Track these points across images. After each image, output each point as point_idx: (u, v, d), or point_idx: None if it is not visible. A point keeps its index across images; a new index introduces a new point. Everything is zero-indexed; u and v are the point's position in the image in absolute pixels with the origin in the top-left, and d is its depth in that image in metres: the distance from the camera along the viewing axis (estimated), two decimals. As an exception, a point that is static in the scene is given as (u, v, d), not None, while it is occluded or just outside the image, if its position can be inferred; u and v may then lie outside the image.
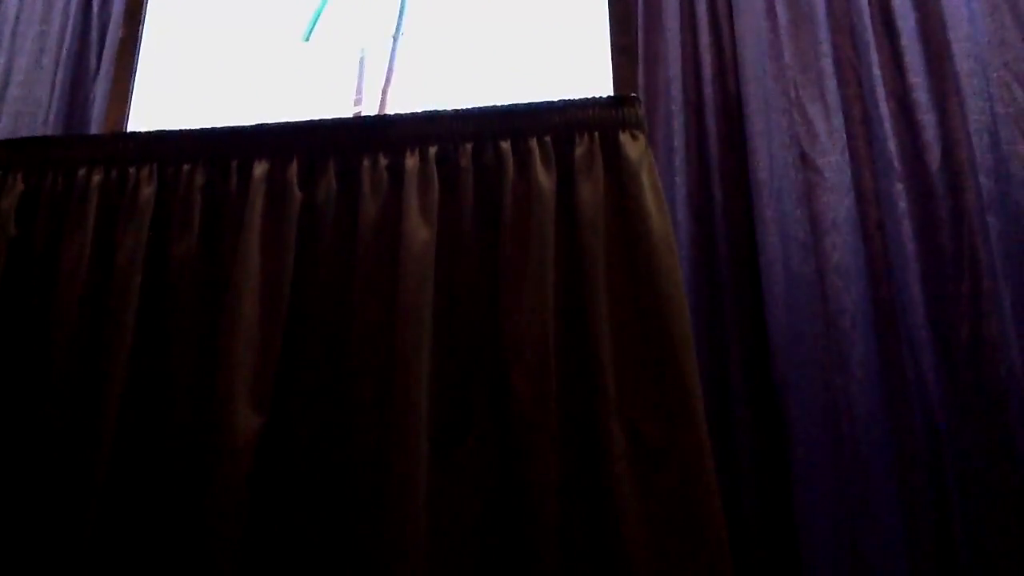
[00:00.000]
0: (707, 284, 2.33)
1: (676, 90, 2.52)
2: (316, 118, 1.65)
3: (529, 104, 1.60)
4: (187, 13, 2.42)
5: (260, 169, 1.60)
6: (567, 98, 1.64)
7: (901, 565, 1.97)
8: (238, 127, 1.66)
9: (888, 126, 2.38)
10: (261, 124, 1.68)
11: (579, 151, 1.54)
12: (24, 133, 2.74)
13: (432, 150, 1.57)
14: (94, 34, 2.88)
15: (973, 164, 2.31)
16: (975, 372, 2.17)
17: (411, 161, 1.56)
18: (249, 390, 1.44)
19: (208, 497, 1.40)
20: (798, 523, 2.04)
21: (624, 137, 1.54)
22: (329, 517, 1.44)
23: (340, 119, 1.70)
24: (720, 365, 2.26)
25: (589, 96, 1.67)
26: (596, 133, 1.56)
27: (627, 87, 1.87)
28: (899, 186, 2.33)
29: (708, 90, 2.53)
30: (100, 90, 2.78)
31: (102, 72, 2.80)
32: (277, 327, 1.49)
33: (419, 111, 1.67)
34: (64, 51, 2.84)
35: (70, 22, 2.87)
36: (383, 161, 1.58)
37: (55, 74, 2.82)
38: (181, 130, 1.70)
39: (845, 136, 2.41)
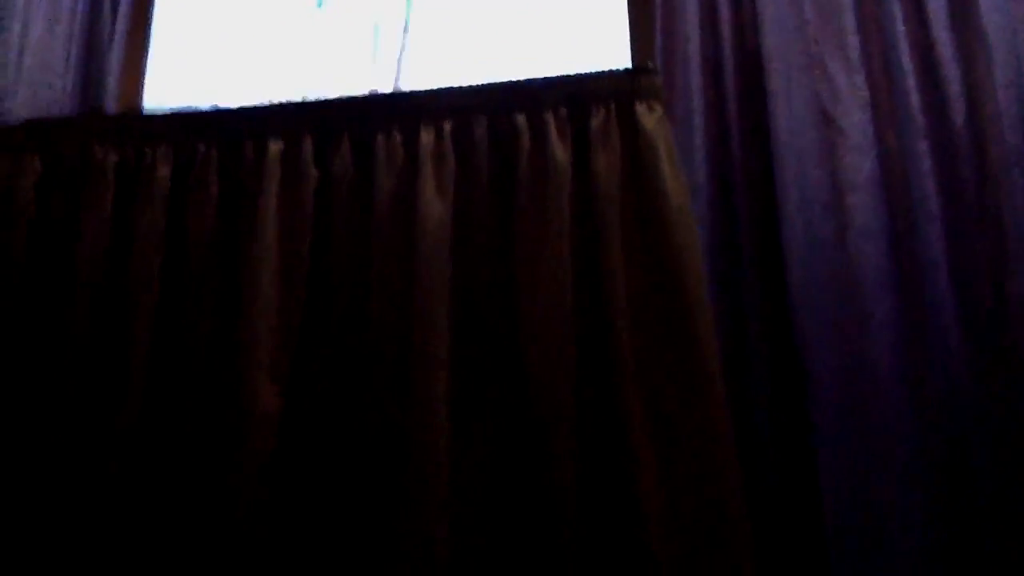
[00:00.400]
0: (726, 246, 2.32)
1: (694, 47, 2.48)
2: (330, 94, 1.63)
3: (544, 77, 1.58)
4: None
5: (275, 147, 1.60)
6: (582, 69, 1.61)
7: (921, 532, 1.97)
8: (252, 106, 1.66)
9: (912, 81, 2.33)
10: (275, 103, 1.68)
11: (595, 123, 1.53)
12: (42, 103, 2.75)
13: (447, 125, 1.57)
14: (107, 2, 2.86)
15: (999, 120, 2.26)
16: (998, 333, 2.15)
17: (426, 136, 1.56)
18: (269, 367, 1.46)
19: (231, 473, 1.42)
20: (822, 487, 2.04)
21: (641, 108, 1.53)
22: (351, 490, 1.47)
23: (353, 96, 1.68)
24: (739, 327, 2.26)
25: (605, 66, 1.65)
26: (612, 104, 1.54)
27: (645, 52, 1.84)
28: (923, 144, 2.29)
29: (727, 46, 2.49)
30: (115, 56, 2.76)
31: (116, 38, 2.79)
32: (296, 304, 1.50)
33: (433, 86, 1.66)
34: (78, 17, 2.82)
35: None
36: (398, 137, 1.58)
37: (69, 41, 2.81)
38: (195, 110, 1.70)
39: (868, 92, 2.36)
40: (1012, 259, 2.19)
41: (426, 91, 1.63)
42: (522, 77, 1.67)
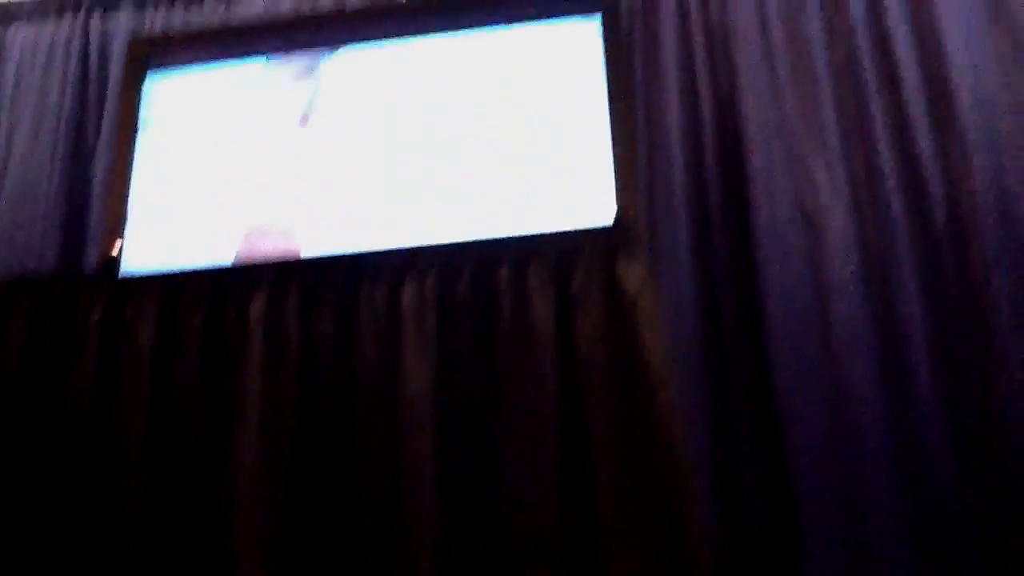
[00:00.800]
0: (712, 352, 2.33)
1: (677, 150, 2.49)
2: (313, 254, 1.64)
3: (526, 234, 1.59)
4: (187, 91, 2.41)
5: (258, 307, 1.60)
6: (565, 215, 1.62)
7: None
8: (234, 266, 1.66)
9: (892, 180, 2.35)
10: (258, 262, 1.68)
11: (576, 282, 1.54)
12: (27, 208, 2.75)
13: (429, 283, 1.57)
14: (92, 101, 2.86)
15: (979, 221, 2.27)
16: (985, 434, 2.17)
17: (408, 295, 1.56)
18: (253, 542, 1.46)
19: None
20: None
21: (622, 266, 1.53)
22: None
23: (336, 255, 1.69)
24: (725, 432, 2.26)
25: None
26: (594, 262, 1.55)
27: (629, 194, 1.85)
28: (905, 245, 2.30)
29: (709, 145, 2.50)
30: (102, 156, 2.77)
31: (102, 138, 2.79)
32: (280, 474, 1.50)
33: (415, 242, 1.67)
34: (62, 121, 2.83)
35: (68, 88, 2.86)
36: (380, 295, 1.58)
37: (55, 142, 2.81)
38: (178, 269, 1.70)
39: (847, 192, 2.38)
40: (996, 359, 2.21)
41: (410, 249, 1.63)
42: (506, 230, 1.68)
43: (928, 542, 2.02)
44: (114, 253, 2.03)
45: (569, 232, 1.58)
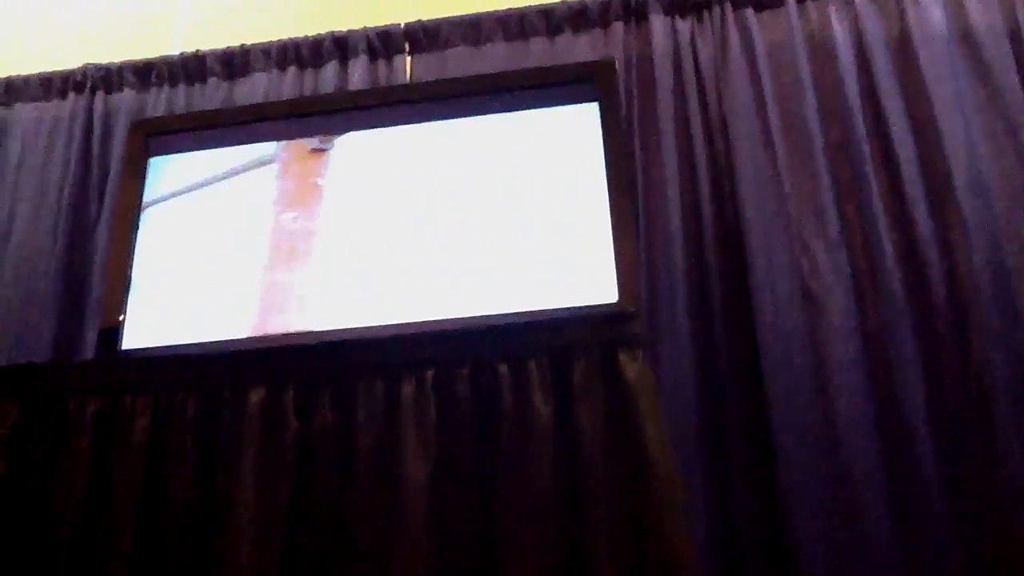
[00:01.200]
0: (714, 436, 2.31)
1: (676, 227, 2.50)
2: (312, 336, 1.63)
3: (525, 320, 1.59)
4: (189, 171, 2.42)
5: (255, 397, 1.59)
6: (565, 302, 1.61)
7: None
8: (232, 351, 1.65)
9: (892, 261, 2.35)
10: (254, 346, 1.67)
11: (577, 375, 1.53)
12: (25, 282, 2.75)
13: (429, 375, 1.56)
14: (94, 180, 2.88)
15: (980, 301, 2.27)
16: (989, 520, 2.14)
17: (407, 388, 1.55)
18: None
19: None
20: None
21: (624, 357, 1.52)
22: None
23: (335, 342, 1.68)
24: (728, 520, 2.23)
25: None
26: (595, 354, 1.54)
27: (630, 279, 1.85)
28: (906, 325, 2.30)
29: (708, 224, 2.51)
30: (102, 238, 2.78)
31: (103, 219, 2.80)
32: (271, 571, 1.47)
33: (414, 326, 1.66)
34: (64, 198, 2.84)
35: (71, 167, 2.88)
36: (379, 387, 1.57)
37: (56, 222, 2.82)
38: (173, 354, 1.70)
39: (849, 272, 2.38)
40: (1000, 442, 2.19)
41: (408, 337, 1.62)
42: (506, 309, 1.68)
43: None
44: (113, 331, 2.01)
45: (569, 320, 1.57)
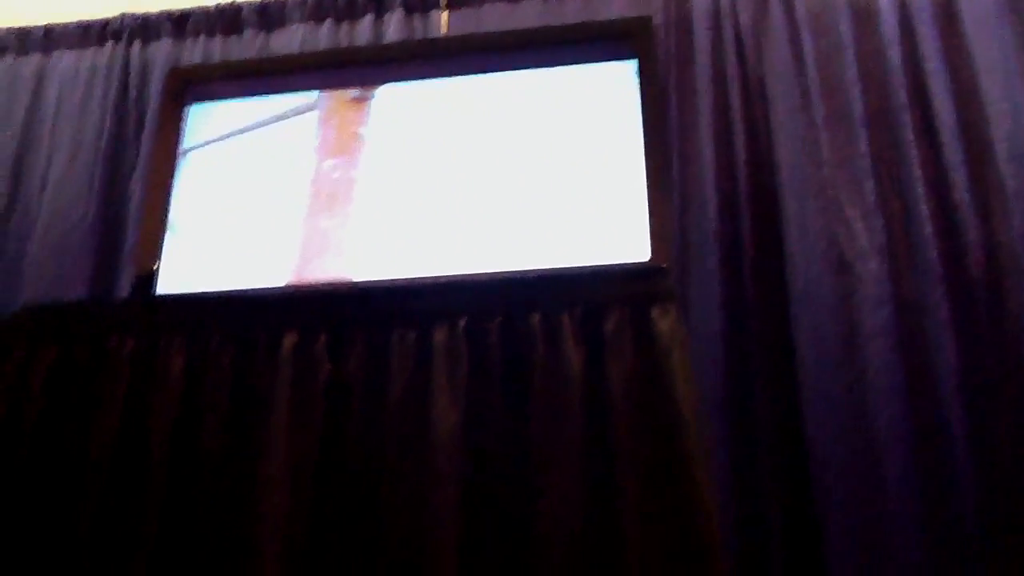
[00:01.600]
0: (741, 394, 2.30)
1: (711, 189, 2.48)
2: (346, 285, 1.64)
3: (558, 273, 1.59)
4: (226, 120, 2.43)
5: (289, 342, 1.60)
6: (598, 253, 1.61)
7: None
8: (266, 295, 1.67)
9: (929, 228, 2.32)
10: (290, 291, 1.68)
11: (609, 327, 1.52)
12: (61, 230, 2.78)
13: (461, 323, 1.56)
14: (131, 128, 2.90)
15: (1017, 270, 2.24)
16: (1018, 494, 2.12)
17: (440, 336, 1.56)
18: (277, 579, 1.45)
19: None
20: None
21: (655, 312, 1.52)
22: None
23: (369, 287, 1.69)
24: (754, 481, 2.23)
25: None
26: (627, 307, 1.53)
27: (663, 237, 1.84)
28: (940, 293, 2.27)
29: (743, 187, 2.49)
30: (138, 186, 2.80)
31: (139, 168, 2.82)
32: (304, 515, 1.50)
33: (448, 277, 1.67)
34: (101, 147, 2.86)
35: (107, 116, 2.89)
36: (411, 335, 1.57)
37: (93, 170, 2.84)
38: (209, 296, 1.71)
39: (885, 238, 2.35)
40: (1032, 415, 2.17)
41: (440, 285, 1.62)
42: (538, 271, 1.68)
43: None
44: (149, 276, 2.03)
45: (603, 274, 1.56)
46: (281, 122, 2.31)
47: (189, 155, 2.33)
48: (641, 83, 2.16)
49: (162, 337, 1.66)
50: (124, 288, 2.61)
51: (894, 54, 2.44)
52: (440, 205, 2.09)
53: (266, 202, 2.23)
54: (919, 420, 2.18)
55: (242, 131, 2.34)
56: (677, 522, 1.42)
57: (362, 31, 2.82)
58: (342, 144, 2.24)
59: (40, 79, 3.04)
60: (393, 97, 2.31)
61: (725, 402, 2.25)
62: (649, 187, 1.95)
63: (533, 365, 1.53)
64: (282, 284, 2.02)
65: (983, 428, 2.14)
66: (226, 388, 1.60)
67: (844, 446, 2.16)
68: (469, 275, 1.75)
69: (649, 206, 1.90)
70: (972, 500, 2.07)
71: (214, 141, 2.35)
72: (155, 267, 2.10)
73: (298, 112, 2.31)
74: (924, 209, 2.33)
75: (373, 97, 2.29)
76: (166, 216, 2.14)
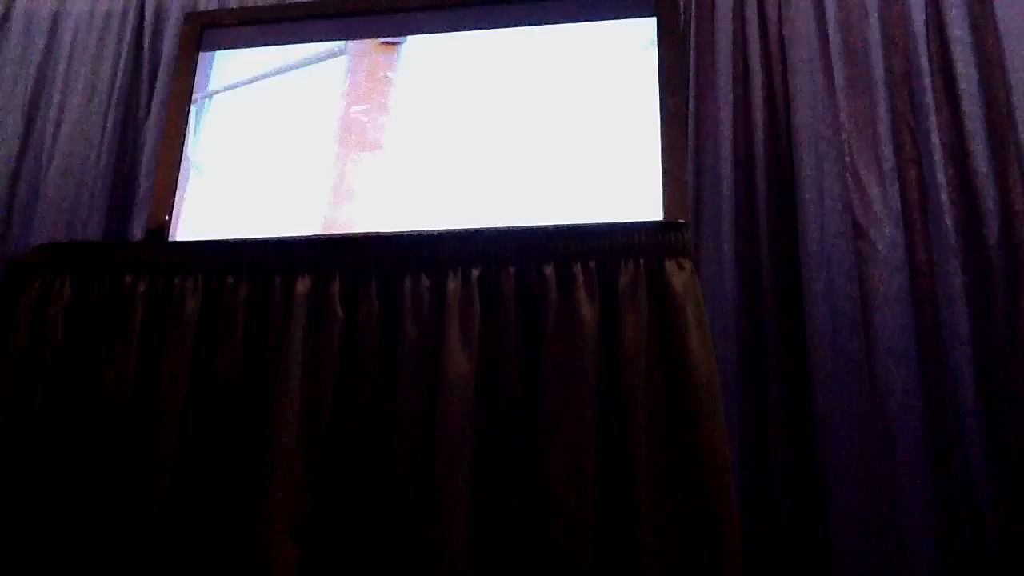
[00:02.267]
0: (752, 358, 2.30)
1: (726, 150, 2.46)
2: (359, 232, 1.64)
3: (573, 226, 1.58)
4: (243, 66, 2.42)
5: (303, 285, 1.60)
6: (612, 212, 1.60)
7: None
8: (281, 239, 1.67)
9: (945, 196, 2.30)
10: (305, 237, 1.69)
11: (623, 280, 1.52)
12: (74, 174, 2.77)
13: (475, 272, 1.56)
14: (145, 74, 2.89)
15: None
16: (1024, 463, 2.12)
17: (453, 284, 1.55)
18: (287, 520, 1.46)
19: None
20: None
21: (670, 266, 1.52)
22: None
23: (383, 235, 1.69)
24: (762, 443, 2.24)
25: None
26: (641, 260, 1.53)
27: (677, 195, 1.83)
28: (955, 261, 2.26)
29: (759, 150, 2.47)
30: (151, 132, 2.79)
31: (152, 114, 2.82)
32: (316, 455, 1.51)
33: (462, 227, 1.66)
34: (115, 92, 2.85)
35: (122, 61, 2.88)
36: (425, 282, 1.57)
37: (106, 114, 2.83)
38: (225, 240, 1.71)
39: (900, 204, 2.34)
40: (1042, 385, 2.16)
41: (455, 233, 1.62)
42: (553, 220, 1.67)
43: (962, 556, 1.98)
44: (162, 223, 2.03)
45: (617, 228, 1.56)
46: (309, 66, 2.29)
47: (216, 97, 2.31)
48: (660, 41, 2.14)
49: (177, 276, 1.66)
50: (136, 234, 2.61)
51: (918, 18, 2.41)
52: (462, 157, 2.08)
53: (294, 147, 2.23)
54: (930, 387, 2.18)
55: (270, 75, 2.33)
56: (688, 477, 1.43)
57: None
58: (371, 89, 2.23)
59: (55, 22, 3.02)
60: (417, 48, 2.30)
61: (736, 364, 2.26)
62: (664, 146, 1.94)
63: (546, 316, 1.53)
64: (310, 230, 2.02)
65: (995, 396, 2.14)
66: (241, 330, 1.61)
67: (853, 411, 2.17)
68: (484, 226, 1.74)
69: (663, 165, 1.89)
70: (983, 468, 2.08)
71: (242, 84, 2.34)
72: (168, 217, 2.10)
73: (327, 56, 2.30)
74: (941, 177, 2.31)
75: (404, 41, 2.27)
76: (180, 166, 2.13)
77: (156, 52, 2.86)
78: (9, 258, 1.82)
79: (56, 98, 2.88)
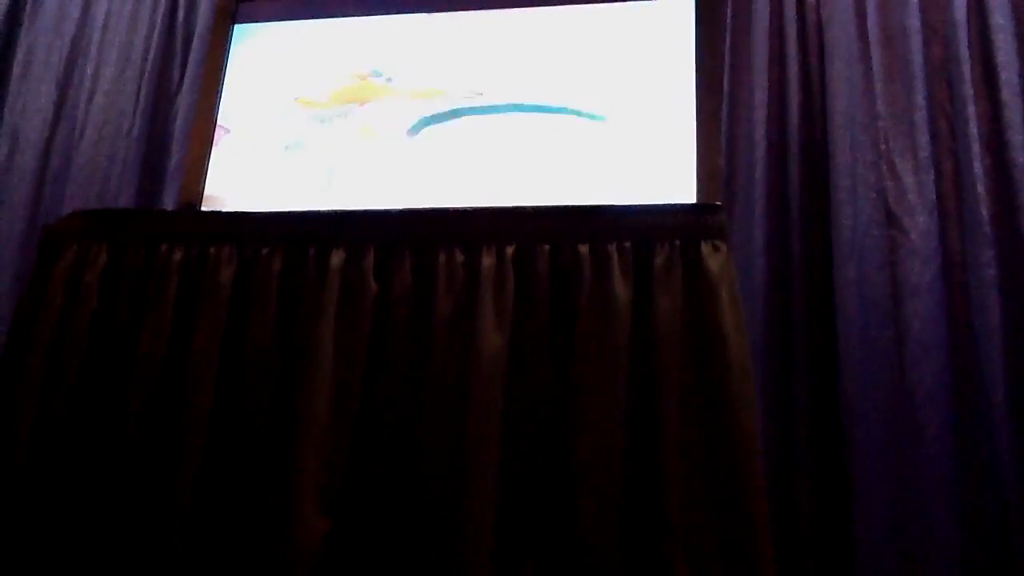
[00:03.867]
0: (780, 345, 2.29)
1: (760, 135, 2.44)
2: (394, 208, 1.65)
3: (609, 206, 1.58)
4: (276, 41, 2.42)
5: (337, 258, 1.61)
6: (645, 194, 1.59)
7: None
8: (317, 212, 1.67)
9: (982, 187, 2.28)
10: (340, 210, 1.69)
11: (658, 260, 1.52)
12: (108, 144, 2.79)
13: (509, 249, 1.56)
14: (178, 46, 2.89)
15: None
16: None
17: (487, 260, 1.55)
18: (317, 492, 1.48)
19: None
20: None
21: (706, 248, 1.51)
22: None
23: (417, 209, 1.68)
24: (788, 430, 2.23)
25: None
26: (677, 242, 1.53)
27: (711, 178, 1.82)
28: (988, 253, 2.23)
29: (793, 136, 2.45)
30: (184, 103, 2.80)
31: (185, 85, 2.82)
32: (347, 427, 1.52)
33: (498, 205, 1.66)
34: (148, 63, 2.86)
35: (155, 33, 2.89)
36: (459, 257, 1.58)
37: (139, 85, 2.84)
38: (260, 212, 1.72)
39: (935, 194, 2.31)
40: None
41: (490, 210, 1.62)
42: (588, 200, 1.67)
43: (987, 548, 1.97)
44: (194, 196, 2.04)
45: (653, 209, 1.55)
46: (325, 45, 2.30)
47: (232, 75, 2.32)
48: (698, 21, 2.12)
49: (212, 246, 1.67)
50: (168, 205, 2.63)
51: (959, 5, 2.37)
52: (495, 137, 2.08)
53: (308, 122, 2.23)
54: (959, 378, 2.17)
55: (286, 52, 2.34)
56: (719, 457, 1.43)
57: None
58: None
59: (89, -7, 3.03)
60: (448, 24, 2.30)
61: (764, 350, 2.24)
62: (699, 127, 1.92)
63: (580, 294, 1.53)
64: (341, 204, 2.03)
65: (1021, 387, 2.12)
66: (274, 298, 1.61)
67: (882, 400, 2.16)
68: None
69: (698, 149, 1.87)
70: (1011, 459, 2.06)
71: (256, 63, 2.35)
72: (200, 190, 2.10)
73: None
74: (978, 167, 2.28)
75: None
76: (212, 138, 2.14)
77: (190, 23, 2.87)
78: (45, 224, 1.83)
79: (90, 68, 2.89)
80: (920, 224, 2.28)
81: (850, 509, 2.06)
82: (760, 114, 2.42)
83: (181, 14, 2.89)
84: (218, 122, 2.23)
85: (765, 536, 1.34)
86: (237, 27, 2.46)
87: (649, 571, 1.35)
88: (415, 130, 2.13)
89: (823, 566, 2.06)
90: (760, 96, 2.43)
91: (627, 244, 1.54)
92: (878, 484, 2.11)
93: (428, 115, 2.16)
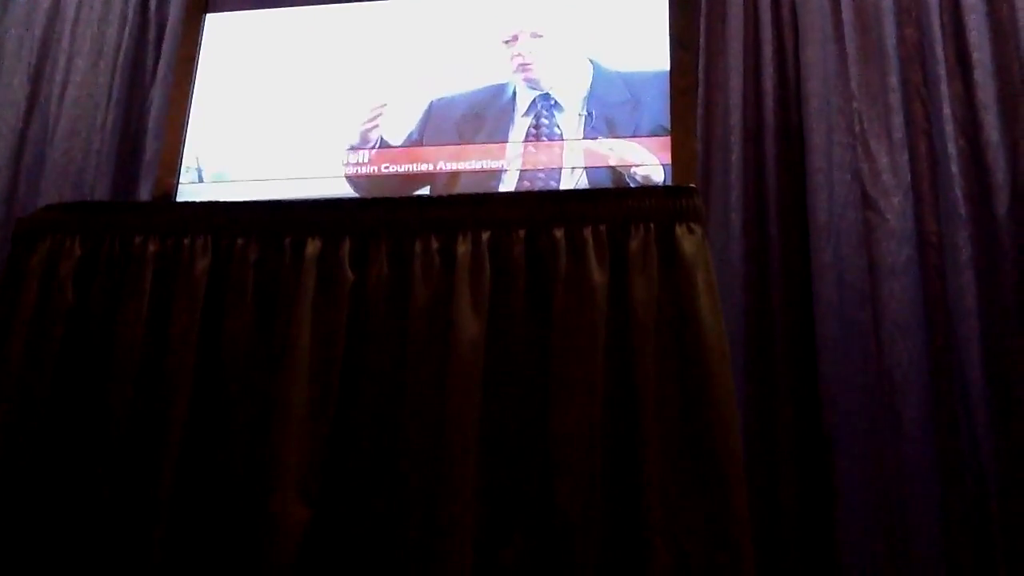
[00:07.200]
0: (758, 327, 2.30)
1: (736, 119, 2.45)
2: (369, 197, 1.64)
3: (584, 190, 1.58)
4: (248, 29, 2.40)
5: (313, 247, 1.60)
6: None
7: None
8: (292, 201, 1.67)
9: (956, 167, 2.29)
10: (315, 199, 1.68)
11: (634, 244, 1.52)
12: (81, 137, 2.77)
13: (485, 235, 1.56)
14: (151, 37, 2.87)
15: (1043, 211, 2.22)
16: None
17: (463, 247, 1.55)
18: (297, 480, 1.48)
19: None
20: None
21: (681, 230, 1.52)
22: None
23: (393, 198, 1.68)
24: (767, 413, 2.24)
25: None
26: (652, 225, 1.53)
27: (686, 162, 1.82)
28: (964, 233, 2.25)
29: (769, 119, 2.46)
30: (158, 95, 2.78)
31: (159, 77, 2.80)
32: (326, 415, 1.52)
33: (473, 192, 1.66)
34: (121, 54, 2.84)
35: (128, 24, 2.86)
36: (435, 244, 1.57)
37: (112, 77, 2.82)
38: (234, 202, 1.71)
39: (910, 175, 2.33)
40: (1049, 359, 2.16)
41: (465, 197, 1.62)
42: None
43: (966, 535, 1.99)
44: (169, 187, 2.02)
45: (627, 191, 1.55)
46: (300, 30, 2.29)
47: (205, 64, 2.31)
48: (672, 3, 2.12)
49: (187, 237, 1.66)
50: (143, 197, 2.61)
51: (932, -13, 2.38)
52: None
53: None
54: (937, 359, 2.18)
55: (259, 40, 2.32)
56: (698, 440, 1.43)
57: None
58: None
59: (60, -15, 2.99)
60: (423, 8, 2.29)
61: (743, 333, 2.25)
62: (673, 109, 1.92)
63: (556, 279, 1.53)
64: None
65: (1001, 369, 2.13)
66: (250, 288, 1.61)
67: (860, 382, 2.17)
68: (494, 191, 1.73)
69: (672, 130, 1.87)
70: (989, 440, 2.08)
71: (229, 51, 2.33)
72: (175, 181, 2.09)
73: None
74: (952, 148, 2.29)
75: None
76: (186, 128, 2.12)
77: (163, 14, 2.84)
78: (19, 218, 1.81)
79: (62, 60, 2.85)
80: (895, 205, 2.29)
81: (830, 489, 2.08)
82: (736, 98, 2.42)
83: (153, 4, 2.86)
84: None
85: (743, 511, 1.35)
86: (209, 16, 2.44)
87: (628, 545, 1.36)
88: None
89: (803, 541, 2.07)
90: (735, 79, 2.44)
91: (602, 228, 1.54)
92: (858, 465, 2.12)
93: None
